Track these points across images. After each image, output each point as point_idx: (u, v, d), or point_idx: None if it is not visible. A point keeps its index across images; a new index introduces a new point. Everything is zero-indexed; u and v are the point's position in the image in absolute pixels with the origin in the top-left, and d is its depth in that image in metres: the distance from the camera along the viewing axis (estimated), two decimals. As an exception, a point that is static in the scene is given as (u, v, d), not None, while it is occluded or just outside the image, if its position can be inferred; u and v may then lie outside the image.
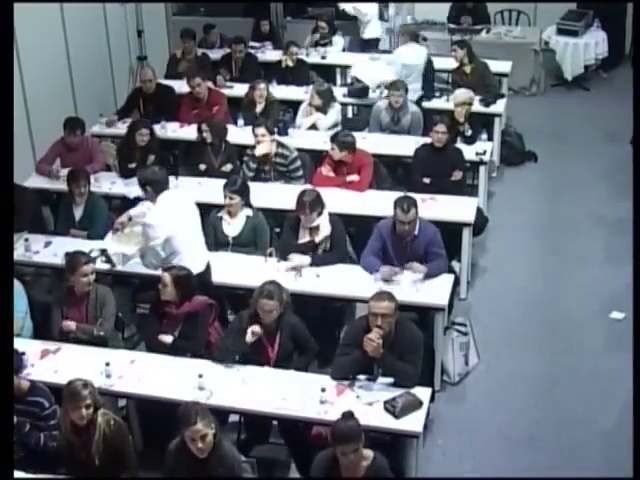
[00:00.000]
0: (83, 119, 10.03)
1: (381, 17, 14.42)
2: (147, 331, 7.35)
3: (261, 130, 9.15)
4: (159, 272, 7.23)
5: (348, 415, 5.57)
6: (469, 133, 9.99)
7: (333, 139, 9.18)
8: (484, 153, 9.82)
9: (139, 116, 10.75)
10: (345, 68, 13.05)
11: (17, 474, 5.67)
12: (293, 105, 10.94)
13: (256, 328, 6.64)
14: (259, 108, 10.56)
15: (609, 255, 9.60)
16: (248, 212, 8.24)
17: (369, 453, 5.57)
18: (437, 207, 8.70)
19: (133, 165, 9.51)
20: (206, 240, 8.30)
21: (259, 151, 9.19)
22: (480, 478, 6.62)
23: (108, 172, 9.72)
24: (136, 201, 8.63)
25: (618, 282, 8.96)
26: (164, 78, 11.82)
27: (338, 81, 13.05)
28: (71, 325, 7.08)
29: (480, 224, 9.16)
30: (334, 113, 10.56)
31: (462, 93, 10.27)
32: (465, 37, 12.89)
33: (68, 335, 7.10)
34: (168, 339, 7.05)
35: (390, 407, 6.18)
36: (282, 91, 11.18)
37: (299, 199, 7.90)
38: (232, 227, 8.24)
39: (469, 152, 9.72)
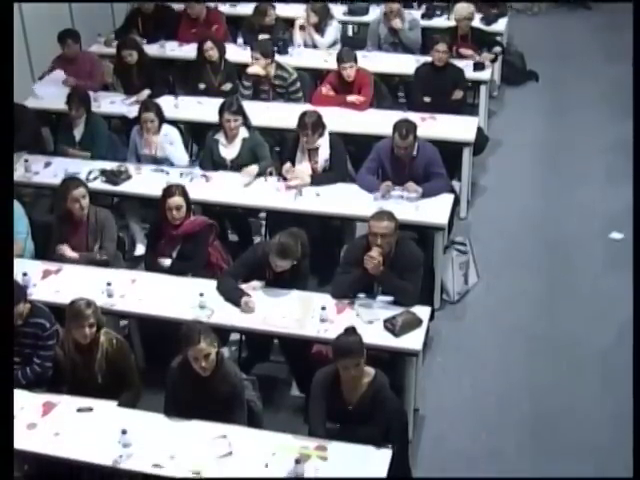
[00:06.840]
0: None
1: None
2: (145, 253, 7.38)
3: (257, 54, 9.04)
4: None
5: (350, 330, 5.62)
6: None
7: (347, 57, 9.00)
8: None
9: (138, 36, 10.62)
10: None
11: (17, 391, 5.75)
12: (293, 23, 10.78)
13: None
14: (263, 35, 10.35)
15: (609, 175, 9.58)
16: (244, 134, 8.16)
17: (370, 370, 5.61)
18: (437, 126, 8.66)
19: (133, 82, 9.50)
20: (204, 161, 8.30)
21: (250, 70, 9.12)
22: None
23: (107, 92, 9.62)
24: (136, 121, 8.55)
25: (618, 202, 8.96)
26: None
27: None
28: (72, 255, 7.11)
29: (480, 143, 9.13)
30: (333, 30, 10.47)
31: (463, 7, 10.16)
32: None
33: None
34: (167, 262, 7.08)
35: (390, 325, 6.21)
36: (282, 9, 11.02)
37: (300, 120, 7.85)
38: (229, 150, 8.17)
39: (469, 72, 9.61)
